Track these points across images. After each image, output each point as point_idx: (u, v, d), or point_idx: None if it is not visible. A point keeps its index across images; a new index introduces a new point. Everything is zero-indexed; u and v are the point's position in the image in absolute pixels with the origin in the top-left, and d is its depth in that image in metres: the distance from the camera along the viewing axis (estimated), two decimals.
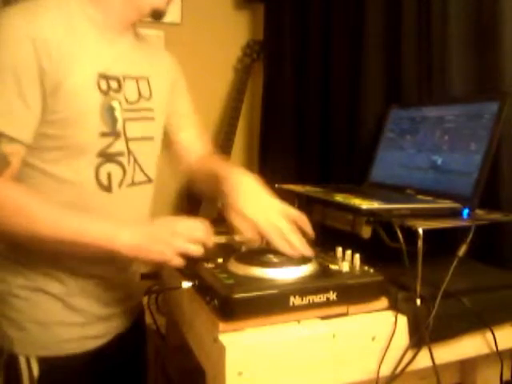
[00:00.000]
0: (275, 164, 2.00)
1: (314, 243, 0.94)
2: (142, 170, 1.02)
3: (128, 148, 0.97)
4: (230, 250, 0.94)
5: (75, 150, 0.91)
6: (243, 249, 0.96)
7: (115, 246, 0.84)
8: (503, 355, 0.91)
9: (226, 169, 1.02)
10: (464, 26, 1.19)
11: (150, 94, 1.03)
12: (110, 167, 0.95)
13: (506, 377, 0.95)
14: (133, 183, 1.00)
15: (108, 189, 0.95)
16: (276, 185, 1.24)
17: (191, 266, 0.88)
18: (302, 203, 1.21)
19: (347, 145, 1.59)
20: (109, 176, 0.95)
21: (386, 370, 0.81)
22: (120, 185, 0.97)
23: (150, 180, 1.05)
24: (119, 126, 0.95)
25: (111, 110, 0.93)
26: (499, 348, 0.89)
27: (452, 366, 0.94)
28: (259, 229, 0.91)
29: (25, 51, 0.83)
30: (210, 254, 0.89)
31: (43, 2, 0.89)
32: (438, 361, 0.82)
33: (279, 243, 0.90)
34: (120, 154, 0.96)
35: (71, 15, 0.91)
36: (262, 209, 0.93)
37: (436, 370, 0.81)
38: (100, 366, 1.01)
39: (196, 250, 0.86)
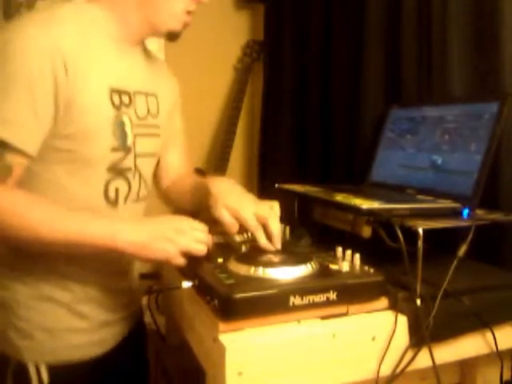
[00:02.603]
0: (275, 164, 2.00)
1: (314, 242, 0.94)
2: (146, 186, 1.03)
3: (135, 164, 0.98)
4: (229, 250, 0.94)
5: (86, 164, 0.91)
6: (243, 249, 0.96)
7: (117, 243, 0.84)
8: (503, 355, 0.91)
9: (205, 178, 1.06)
10: (464, 25, 1.19)
11: (158, 111, 1.04)
12: (118, 182, 0.96)
13: (506, 377, 0.95)
14: (138, 198, 1.01)
15: (114, 204, 0.96)
16: (276, 185, 1.25)
17: (191, 265, 0.88)
18: (302, 203, 1.21)
19: (347, 145, 1.58)
20: (116, 191, 0.96)
21: (386, 370, 0.81)
22: (126, 200, 0.98)
23: (149, 194, 1.06)
24: (129, 141, 0.95)
25: (122, 125, 0.93)
26: (499, 348, 0.89)
27: (452, 366, 0.94)
28: (239, 217, 0.92)
29: (41, 63, 0.82)
30: (210, 253, 0.89)
31: (59, 12, 0.88)
32: (438, 361, 0.82)
33: (257, 233, 0.91)
34: (128, 169, 0.97)
35: (86, 26, 0.90)
36: (241, 200, 0.95)
37: (436, 370, 0.81)
38: (107, 372, 1.01)
39: (201, 250, 0.86)
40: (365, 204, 0.93)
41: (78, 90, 0.86)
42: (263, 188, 2.08)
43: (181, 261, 0.86)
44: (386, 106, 1.39)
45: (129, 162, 0.96)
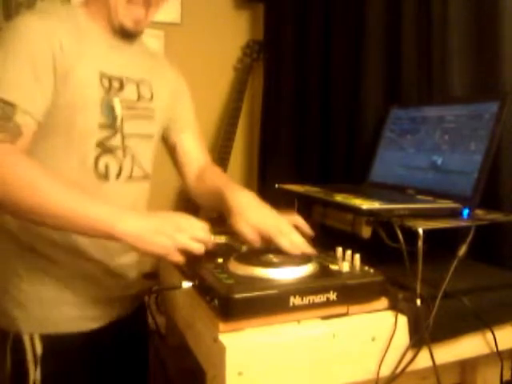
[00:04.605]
0: (275, 164, 2.00)
1: (314, 243, 0.94)
2: (139, 166, 1.08)
3: (123, 143, 1.04)
4: (230, 250, 0.94)
5: (76, 137, 0.97)
6: (243, 249, 0.96)
7: (116, 231, 0.85)
8: (503, 355, 0.91)
9: (227, 184, 1.09)
10: (464, 26, 1.19)
11: (152, 95, 1.10)
12: (108, 159, 1.02)
13: (506, 377, 0.95)
14: (131, 177, 1.07)
15: (105, 178, 1.02)
16: (276, 185, 1.25)
17: (191, 265, 0.88)
18: (302, 203, 1.21)
19: (347, 145, 1.59)
20: (106, 167, 1.02)
21: (386, 370, 0.81)
22: (117, 177, 1.04)
23: (146, 176, 1.11)
24: (118, 122, 1.02)
25: (111, 106, 1.00)
26: (499, 348, 0.89)
27: (452, 366, 0.94)
28: (262, 232, 0.94)
29: (40, 41, 0.92)
30: (210, 253, 0.89)
31: (55, 10, 1.00)
32: (438, 361, 0.82)
33: (282, 242, 0.92)
34: (116, 148, 1.03)
35: (79, 23, 1.00)
36: (263, 215, 0.97)
37: (436, 370, 0.81)
38: (100, 349, 1.06)
39: (198, 248, 0.87)
40: (365, 204, 0.93)
41: (71, 67, 0.95)
42: (263, 188, 2.08)
43: (178, 258, 0.87)
44: (385, 106, 1.39)
45: (117, 141, 1.02)
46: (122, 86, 1.03)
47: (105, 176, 1.01)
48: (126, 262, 1.11)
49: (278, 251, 0.91)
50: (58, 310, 1.01)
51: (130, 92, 1.05)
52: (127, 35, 1.04)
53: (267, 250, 0.91)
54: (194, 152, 1.24)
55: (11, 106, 0.89)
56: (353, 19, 1.56)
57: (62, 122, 0.96)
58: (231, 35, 2.36)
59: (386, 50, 1.43)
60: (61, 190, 0.87)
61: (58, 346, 1.00)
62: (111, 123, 1.00)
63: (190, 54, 2.29)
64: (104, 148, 1.00)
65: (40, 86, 0.92)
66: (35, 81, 0.91)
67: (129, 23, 1.01)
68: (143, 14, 1.01)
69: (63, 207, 0.85)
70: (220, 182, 1.13)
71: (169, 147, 1.25)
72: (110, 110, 1.00)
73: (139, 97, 1.07)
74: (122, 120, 1.02)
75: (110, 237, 0.86)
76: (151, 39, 2.17)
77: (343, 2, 1.62)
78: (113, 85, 1.01)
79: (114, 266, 1.07)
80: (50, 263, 1.01)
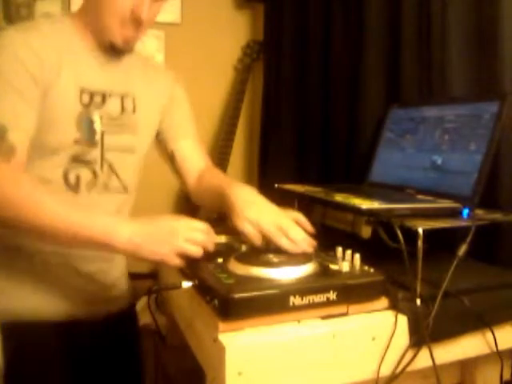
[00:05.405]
0: (275, 164, 2.00)
1: (315, 240, 0.94)
2: (118, 179, 1.08)
3: (102, 156, 1.04)
4: (229, 250, 0.94)
5: (49, 151, 0.98)
6: (243, 249, 0.96)
7: (113, 241, 0.85)
8: (503, 355, 0.91)
9: (227, 182, 1.07)
10: (464, 26, 1.19)
11: (134, 109, 1.10)
12: (80, 170, 1.02)
13: (506, 377, 0.95)
14: (106, 189, 1.06)
15: (75, 189, 1.02)
16: (276, 185, 1.25)
17: (191, 265, 0.88)
18: (302, 203, 1.21)
19: (347, 145, 1.59)
20: (77, 178, 1.02)
21: (386, 370, 0.81)
22: (89, 188, 1.04)
23: (126, 189, 1.11)
24: (97, 136, 1.03)
25: (90, 121, 1.02)
26: (499, 348, 0.89)
27: (452, 366, 0.94)
28: (262, 229, 0.93)
29: (21, 57, 0.93)
30: (210, 253, 0.89)
31: (37, 24, 1.03)
32: (438, 361, 0.82)
33: (280, 240, 0.92)
34: (93, 161, 1.03)
35: (63, 36, 1.01)
36: (264, 211, 0.96)
37: (436, 370, 0.81)
38: (76, 343, 1.07)
39: (195, 252, 0.87)
40: (365, 204, 0.93)
41: (50, 84, 0.96)
42: (263, 188, 2.08)
43: (177, 261, 0.86)
44: (386, 106, 1.39)
45: (94, 155, 1.03)
46: (104, 100, 1.04)
47: (75, 187, 1.02)
48: (94, 268, 1.10)
49: (278, 251, 0.91)
50: (17, 299, 1.02)
51: (112, 106, 1.05)
52: (117, 52, 1.05)
53: (267, 250, 0.91)
54: (194, 157, 1.22)
55: (1, 125, 0.90)
56: (353, 19, 1.56)
57: (36, 139, 0.96)
58: (231, 35, 2.36)
59: (386, 50, 1.43)
60: (65, 208, 0.88)
61: (19, 333, 1.00)
62: (89, 137, 1.01)
63: (190, 54, 2.29)
64: (78, 161, 1.01)
65: (25, 102, 0.93)
66: (21, 98, 0.93)
67: (119, 42, 1.01)
68: (134, 34, 1.02)
69: (71, 224, 0.86)
70: (220, 180, 1.12)
71: (166, 156, 1.22)
72: (88, 124, 1.01)
73: (123, 110, 1.07)
74: (102, 134, 1.03)
75: (107, 246, 0.86)
76: (151, 39, 2.17)
77: (343, 1, 1.62)
78: (94, 100, 1.02)
79: (81, 270, 1.07)
80: (15, 261, 1.03)
